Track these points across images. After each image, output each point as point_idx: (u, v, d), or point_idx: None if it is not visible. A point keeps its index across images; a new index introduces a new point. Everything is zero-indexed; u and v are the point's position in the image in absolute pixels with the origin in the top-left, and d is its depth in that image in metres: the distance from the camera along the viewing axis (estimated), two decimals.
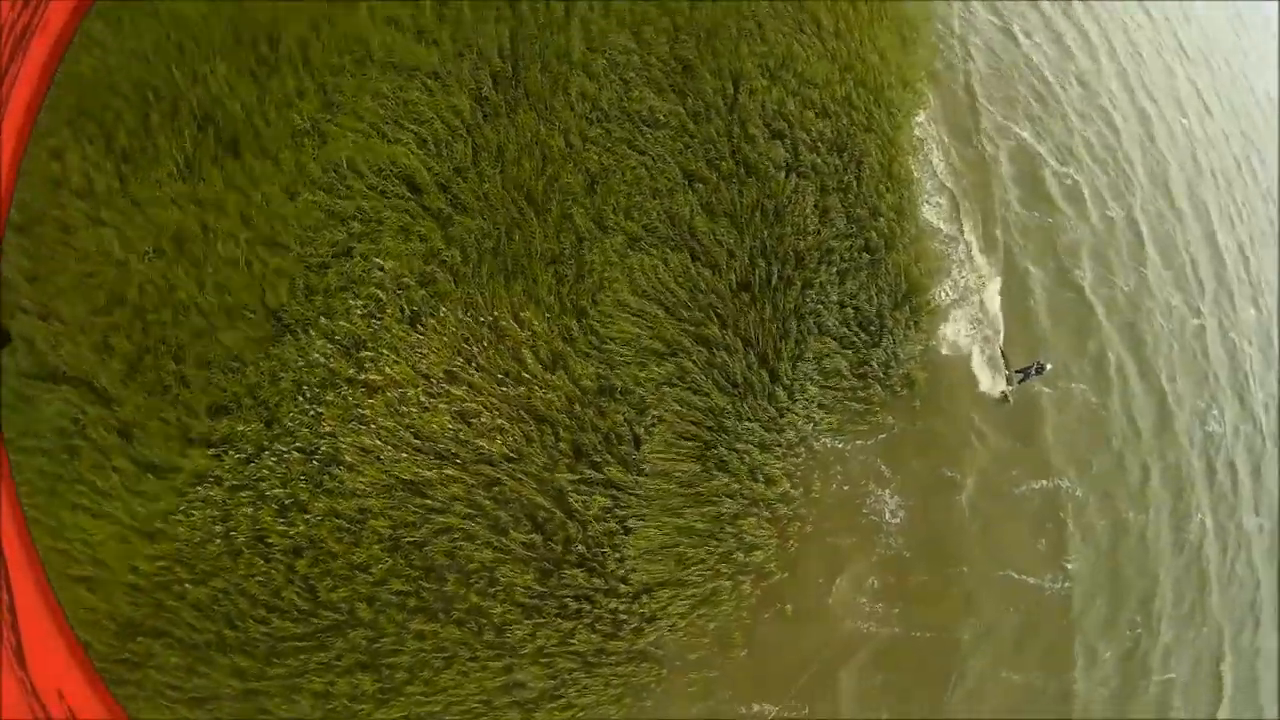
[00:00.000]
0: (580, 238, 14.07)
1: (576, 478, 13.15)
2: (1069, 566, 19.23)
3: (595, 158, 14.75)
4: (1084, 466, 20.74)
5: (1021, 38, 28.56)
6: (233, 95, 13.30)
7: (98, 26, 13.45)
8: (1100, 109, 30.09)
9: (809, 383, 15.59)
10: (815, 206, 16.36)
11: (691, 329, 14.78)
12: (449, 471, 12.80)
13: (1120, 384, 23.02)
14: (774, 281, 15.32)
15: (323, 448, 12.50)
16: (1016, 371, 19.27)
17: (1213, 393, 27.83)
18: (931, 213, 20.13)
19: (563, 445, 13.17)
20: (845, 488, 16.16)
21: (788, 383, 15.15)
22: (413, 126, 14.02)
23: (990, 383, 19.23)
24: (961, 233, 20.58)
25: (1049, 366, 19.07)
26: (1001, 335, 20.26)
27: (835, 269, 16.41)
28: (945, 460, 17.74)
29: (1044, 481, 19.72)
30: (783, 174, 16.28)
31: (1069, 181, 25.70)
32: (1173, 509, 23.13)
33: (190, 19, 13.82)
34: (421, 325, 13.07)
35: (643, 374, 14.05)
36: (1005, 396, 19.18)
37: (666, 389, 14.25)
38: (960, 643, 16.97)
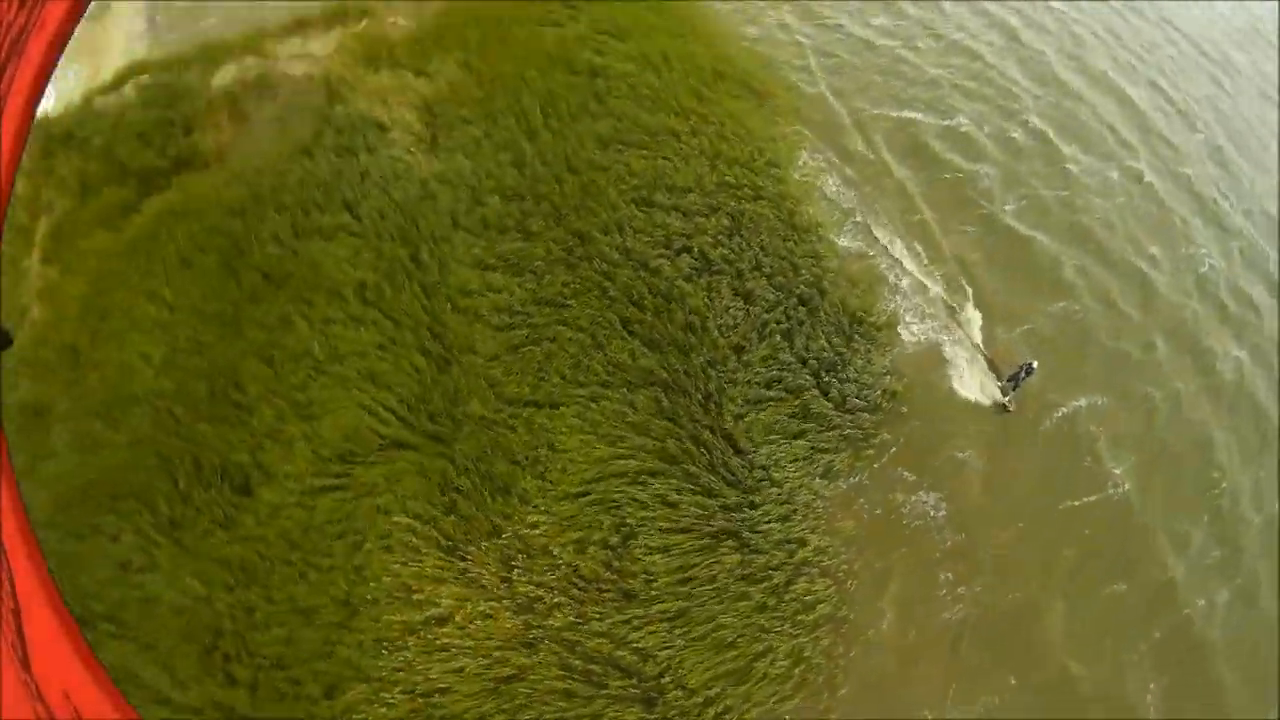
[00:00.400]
0: (546, 430, 15.77)
1: (630, 616, 14.57)
2: (1117, 471, 19.84)
3: (535, 354, 16.52)
4: (1087, 378, 21.42)
5: (854, 26, 30.13)
6: (231, 447, 15.32)
7: (97, 427, 15.68)
8: (956, 46, 31.33)
9: (790, 442, 17.11)
10: (735, 294, 18.13)
11: (688, 438, 16.35)
12: (538, 654, 14.33)
13: (1087, 283, 23.71)
14: (723, 385, 16.92)
15: (420, 684, 13.96)
16: (1008, 381, 19.91)
17: (1189, 235, 28.20)
18: (847, 237, 21.63)
19: (610, 595, 14.69)
20: (878, 511, 17.30)
21: (766, 464, 16.57)
22: (389, 392, 15.97)
23: (965, 369, 20.29)
24: (879, 240, 22.02)
25: (1036, 364, 19.59)
26: (971, 316, 21.58)
27: (778, 335, 18.03)
28: (954, 445, 18.82)
29: (1061, 410, 20.48)
30: (690, 283, 18.04)
31: (961, 130, 26.96)
32: (1196, 364, 23.52)
33: (168, 390, 16.00)
34: (462, 553, 14.83)
35: (645, 493, 15.61)
36: (1005, 407, 19.85)
37: (676, 496, 15.73)
38: (1050, 586, 17.68)
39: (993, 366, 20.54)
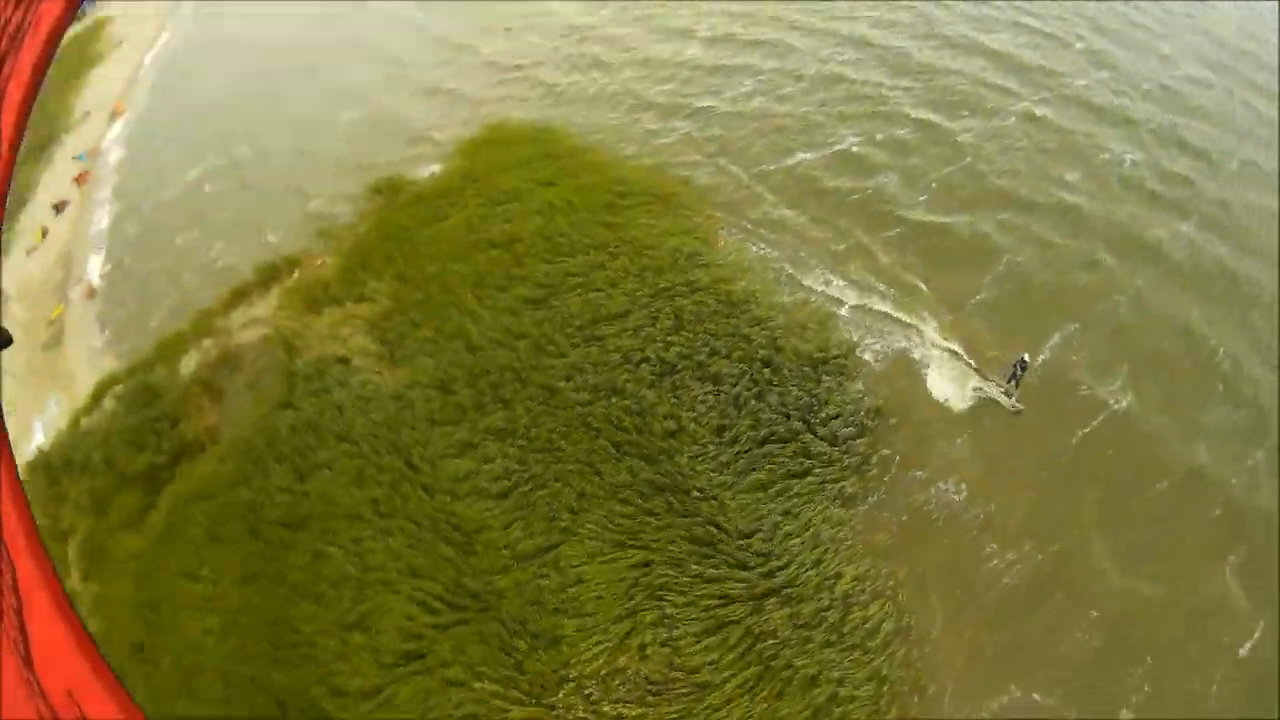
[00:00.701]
0: (572, 565, 17.51)
1: (708, 703, 15.75)
2: (1113, 387, 21.13)
3: (542, 497, 18.48)
4: (1050, 318, 22.93)
5: (720, 104, 33.61)
6: (305, 684, 16.93)
7: (181, 706, 17.41)
8: (819, 78, 34.47)
9: (800, 480, 18.80)
10: (702, 381, 20.34)
11: (706, 523, 17.97)
12: None
13: (1014, 236, 25.56)
14: (710, 474, 18.73)
15: None
16: (1008, 381, 20.95)
17: (1098, 145, 30.23)
18: (785, 291, 23.83)
19: (682, 689, 15.88)
20: (904, 518, 18.68)
21: (779, 519, 18.13)
22: (431, 580, 17.76)
23: (935, 363, 21.87)
24: (812, 282, 24.20)
25: (1027, 357, 20.76)
26: (923, 314, 23.18)
27: (753, 401, 19.96)
28: (951, 432, 20.32)
29: (1039, 357, 21.85)
30: (654, 390, 20.19)
31: (852, 152, 29.58)
32: (1146, 258, 25.16)
33: (233, 652, 17.89)
34: (549, 703, 16.17)
35: (686, 575, 17.21)
36: (1013, 409, 20.75)
37: (714, 571, 17.23)
38: (1089, 520, 18.60)
39: (984, 375, 21.55)
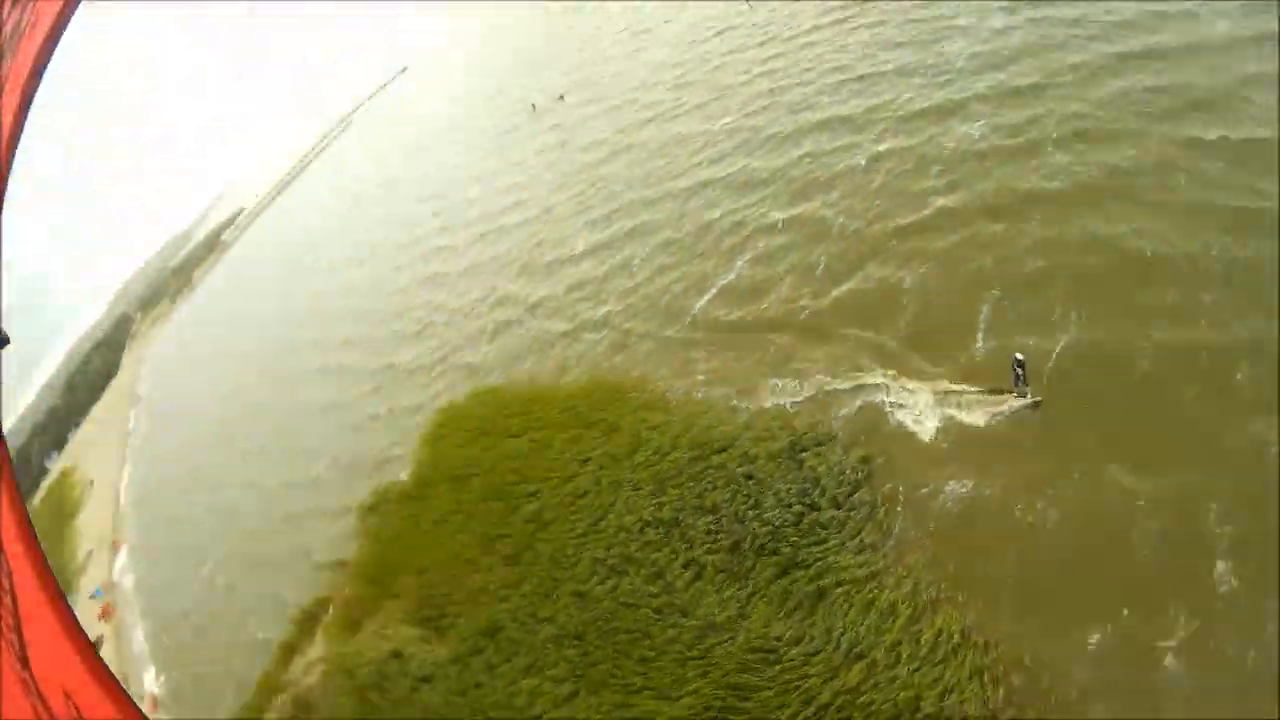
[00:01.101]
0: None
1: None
2: (1054, 318, 23.08)
3: (607, 672, 20.70)
4: (968, 304, 25.20)
5: (613, 305, 38.84)
6: None
7: None
8: (688, 234, 40.36)
9: (821, 547, 20.79)
10: (702, 515, 23.21)
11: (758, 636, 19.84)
12: None
13: (907, 265, 28.50)
14: (739, 596, 20.88)
15: None
16: (1017, 384, 21.92)
17: (944, 138, 34.05)
18: (741, 413, 26.77)
19: None
20: (931, 526, 20.13)
21: (823, 587, 19.98)
22: None
23: (897, 399, 23.99)
24: (761, 396, 27.14)
25: (1020, 356, 21.61)
26: (871, 366, 25.54)
27: (751, 511, 22.50)
28: (937, 442, 22.21)
29: (976, 338, 24.09)
30: (663, 551, 22.96)
31: (744, 274, 34.32)
32: (1030, 202, 27.65)
33: None
34: None
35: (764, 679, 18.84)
36: (1035, 404, 21.77)
37: (803, 668, 18.71)
38: (1100, 446, 19.60)
39: (994, 390, 22.72)
